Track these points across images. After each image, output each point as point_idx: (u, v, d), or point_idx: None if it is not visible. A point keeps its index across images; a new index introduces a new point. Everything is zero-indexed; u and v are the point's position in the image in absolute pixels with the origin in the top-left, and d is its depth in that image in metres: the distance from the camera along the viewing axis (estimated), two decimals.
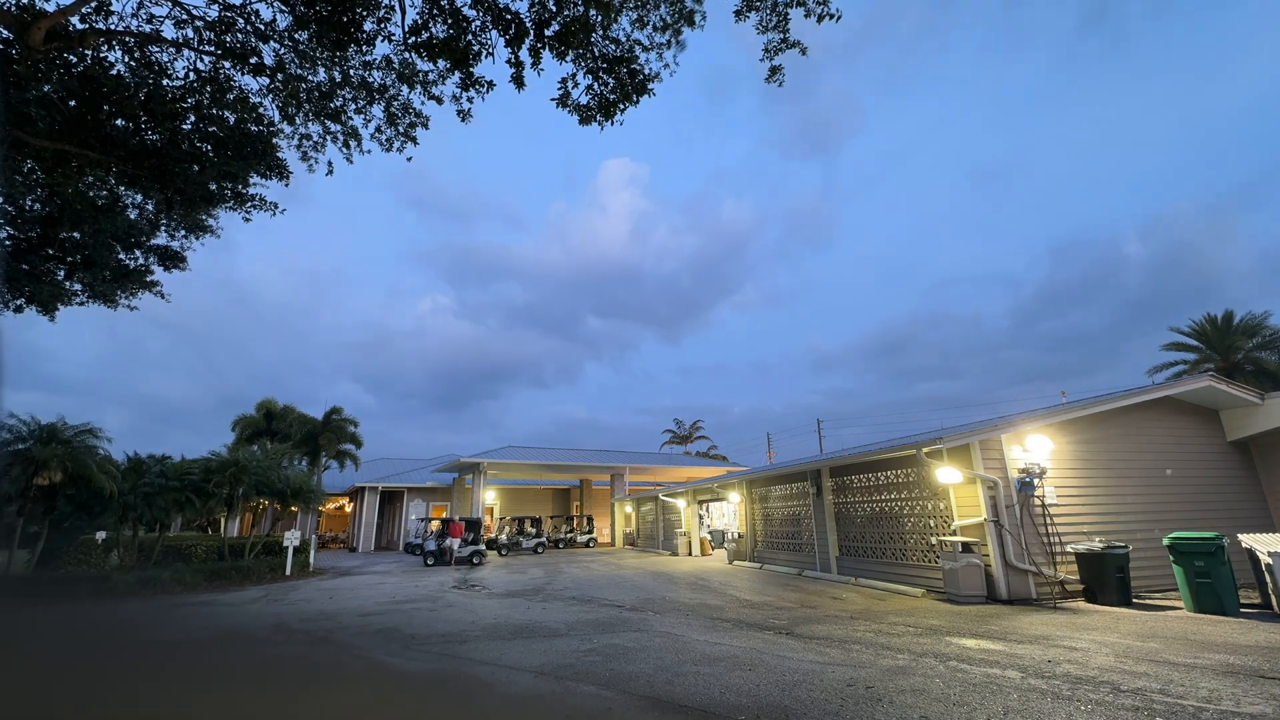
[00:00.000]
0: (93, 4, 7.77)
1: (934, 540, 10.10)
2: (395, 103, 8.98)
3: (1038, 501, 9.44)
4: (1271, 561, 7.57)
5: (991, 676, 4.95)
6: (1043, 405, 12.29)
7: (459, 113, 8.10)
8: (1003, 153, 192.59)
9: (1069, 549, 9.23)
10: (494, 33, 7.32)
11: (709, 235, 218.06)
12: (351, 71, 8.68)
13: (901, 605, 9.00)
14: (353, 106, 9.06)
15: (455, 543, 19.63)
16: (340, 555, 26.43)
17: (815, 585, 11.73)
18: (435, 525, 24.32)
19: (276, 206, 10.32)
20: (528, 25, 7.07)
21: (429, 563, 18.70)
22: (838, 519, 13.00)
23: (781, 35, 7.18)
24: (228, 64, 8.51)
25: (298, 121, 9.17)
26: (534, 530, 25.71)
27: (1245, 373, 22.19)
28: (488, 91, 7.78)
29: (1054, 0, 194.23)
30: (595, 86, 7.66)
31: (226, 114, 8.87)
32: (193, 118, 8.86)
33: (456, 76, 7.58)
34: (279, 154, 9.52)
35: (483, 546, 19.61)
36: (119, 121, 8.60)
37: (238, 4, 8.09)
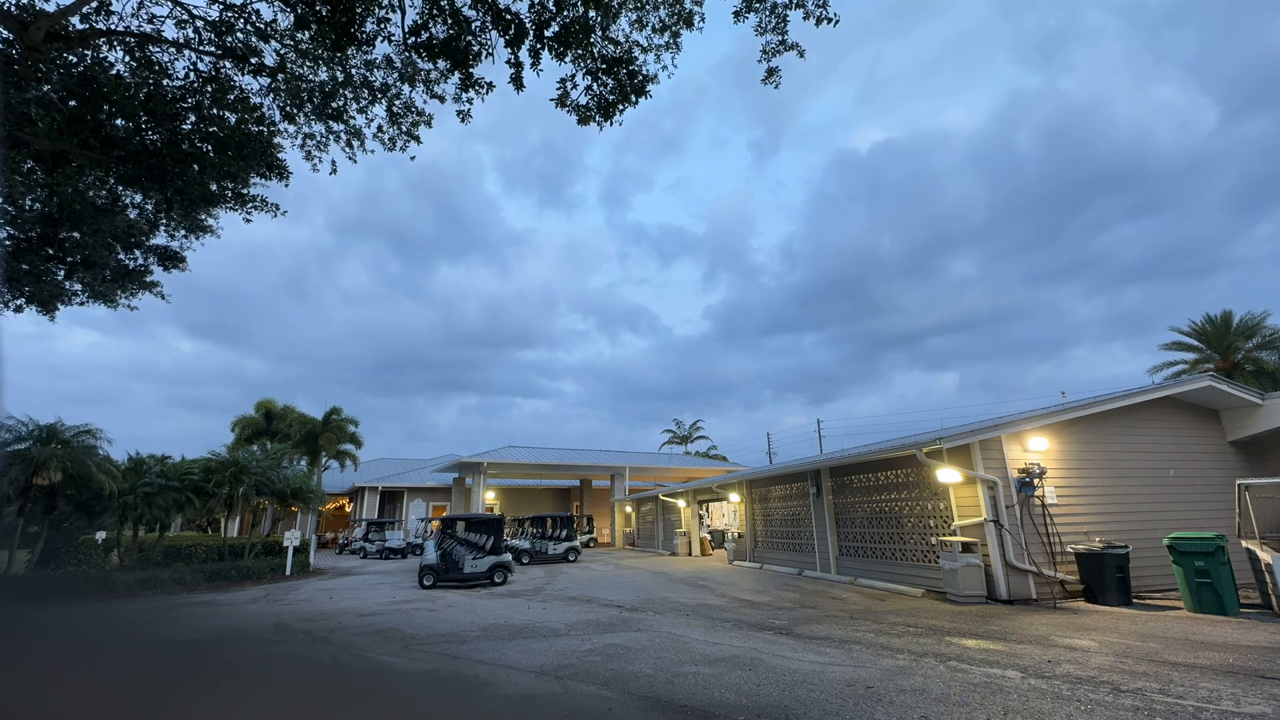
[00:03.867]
0: (93, 4, 7.77)
1: (934, 540, 10.10)
2: (398, 102, 8.99)
3: (1038, 501, 9.44)
4: (1271, 562, 7.57)
5: (991, 676, 4.95)
6: (1042, 406, 12.29)
7: (459, 114, 8.09)
8: None
9: (1069, 549, 9.23)
10: (494, 33, 7.31)
11: None
12: (353, 71, 8.68)
13: (901, 605, 9.00)
14: (355, 106, 9.07)
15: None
16: (340, 555, 26.42)
17: (815, 585, 11.73)
18: (435, 525, 23.37)
19: (278, 208, 10.33)
20: (528, 26, 7.07)
21: (426, 584, 12.93)
22: (837, 519, 13.00)
23: (780, 37, 7.18)
24: (228, 64, 8.51)
25: (300, 121, 9.17)
26: (562, 533, 20.64)
27: (1245, 373, 22.19)
28: (487, 92, 7.78)
29: None
30: (595, 87, 7.66)
31: (227, 114, 8.87)
32: (193, 118, 8.86)
33: (456, 77, 7.57)
34: (279, 154, 9.53)
35: (507, 557, 13.99)
36: (119, 121, 8.60)
37: (238, 4, 8.09)
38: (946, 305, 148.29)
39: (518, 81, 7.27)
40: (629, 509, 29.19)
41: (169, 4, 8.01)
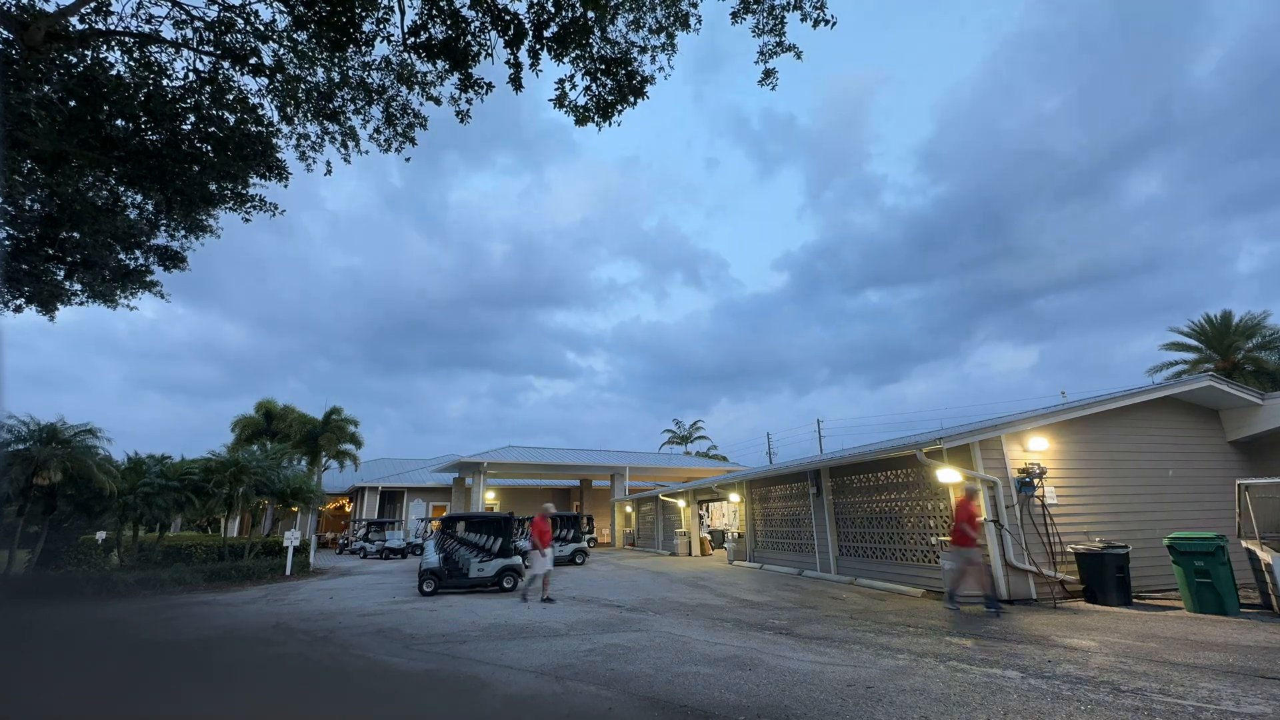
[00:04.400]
0: (92, 4, 7.77)
1: (934, 540, 10.09)
2: (394, 103, 8.98)
3: (1038, 501, 9.44)
4: (1271, 562, 7.57)
5: (991, 676, 4.95)
6: (1042, 406, 12.29)
7: (458, 114, 8.10)
8: None
9: (1069, 549, 9.23)
10: (493, 34, 7.32)
11: None
12: (350, 72, 8.68)
13: (901, 605, 9.00)
14: (351, 107, 9.06)
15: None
16: (340, 555, 26.43)
17: (815, 585, 11.73)
18: (435, 525, 23.17)
19: (276, 207, 10.33)
20: (526, 26, 7.07)
21: (427, 589, 11.68)
22: (837, 519, 13.00)
23: (777, 39, 7.18)
24: (227, 64, 8.51)
25: (296, 122, 9.17)
26: (568, 534, 19.31)
27: (1245, 373, 22.20)
28: (487, 93, 7.78)
29: None
30: (594, 88, 7.66)
31: (226, 114, 8.87)
32: (192, 118, 8.86)
33: (455, 78, 7.58)
34: (278, 155, 9.52)
35: (516, 560, 12.51)
36: (119, 121, 8.60)
37: (237, 4, 8.09)
38: (1100, 244, 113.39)
39: (516, 82, 7.28)
40: (629, 509, 29.18)
41: (168, 4, 8.01)
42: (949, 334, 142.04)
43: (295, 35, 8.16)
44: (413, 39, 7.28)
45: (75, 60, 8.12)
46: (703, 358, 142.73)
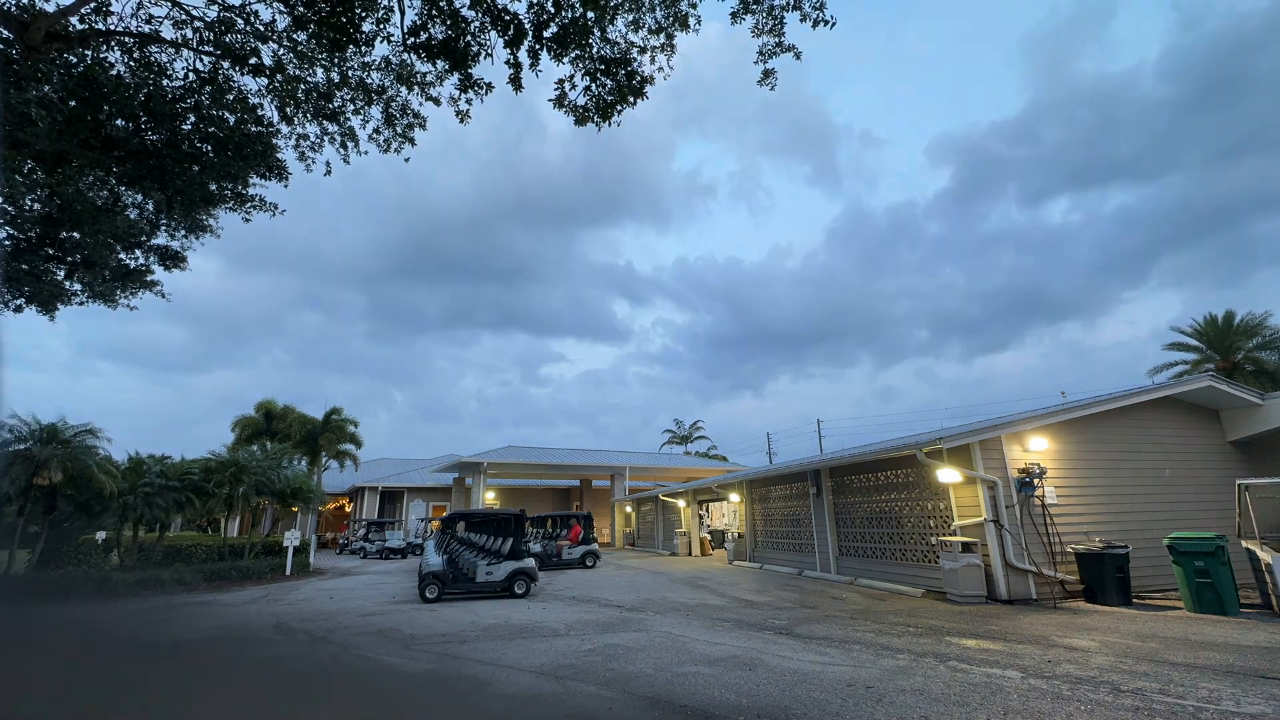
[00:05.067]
0: (92, 4, 7.77)
1: (934, 540, 10.09)
2: (394, 104, 8.98)
3: (1038, 502, 9.44)
4: (1271, 562, 7.57)
5: (991, 676, 4.95)
6: (1042, 406, 12.29)
7: (457, 114, 8.09)
8: None
9: (1069, 549, 9.23)
10: (493, 34, 7.32)
11: None
12: (350, 72, 8.68)
13: (901, 605, 9.00)
14: (351, 107, 9.06)
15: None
16: (340, 555, 26.43)
17: (815, 585, 11.73)
18: (435, 525, 23.12)
19: (276, 207, 10.33)
20: (526, 27, 7.07)
21: (430, 595, 10.67)
22: (837, 519, 13.00)
23: (776, 39, 7.18)
24: (227, 64, 8.51)
25: (296, 122, 9.17)
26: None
27: (1245, 373, 22.20)
28: (486, 93, 7.78)
29: None
30: (593, 88, 7.66)
31: (226, 114, 8.88)
32: (192, 118, 8.86)
33: (455, 78, 7.57)
34: (278, 155, 9.52)
35: (529, 563, 11.40)
36: (119, 121, 8.60)
37: (237, 4, 8.09)
38: None
39: (516, 82, 7.27)
40: (629, 509, 29.17)
41: (168, 4, 8.01)
42: (1121, 271, 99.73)
43: (295, 35, 8.16)
44: (413, 39, 7.28)
45: (75, 60, 8.12)
46: (783, 311, 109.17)
